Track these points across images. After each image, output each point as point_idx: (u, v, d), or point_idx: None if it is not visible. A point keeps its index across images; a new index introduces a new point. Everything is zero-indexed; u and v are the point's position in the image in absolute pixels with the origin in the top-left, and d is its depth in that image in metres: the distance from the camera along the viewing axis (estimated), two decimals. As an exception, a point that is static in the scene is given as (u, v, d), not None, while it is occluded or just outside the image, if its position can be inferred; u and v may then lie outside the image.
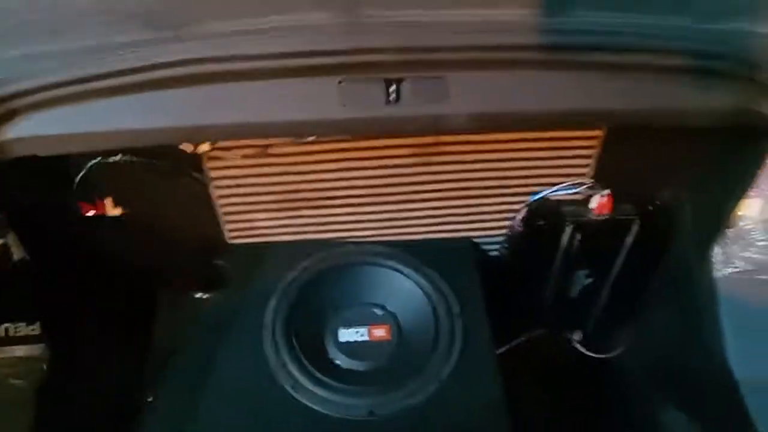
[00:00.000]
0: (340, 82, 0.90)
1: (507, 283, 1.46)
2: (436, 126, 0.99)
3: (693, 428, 1.33)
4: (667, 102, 0.97)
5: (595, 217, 1.29)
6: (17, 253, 1.14)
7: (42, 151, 0.95)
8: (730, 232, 1.24)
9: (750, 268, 1.22)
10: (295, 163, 1.26)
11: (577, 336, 1.55)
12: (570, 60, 0.92)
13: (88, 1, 0.90)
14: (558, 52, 0.91)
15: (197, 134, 1.03)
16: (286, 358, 1.19)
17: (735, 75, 0.95)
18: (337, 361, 1.24)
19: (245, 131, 1.00)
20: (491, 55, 0.90)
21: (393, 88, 0.91)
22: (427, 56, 0.89)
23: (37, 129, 0.92)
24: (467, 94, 0.92)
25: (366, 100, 0.91)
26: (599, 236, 1.31)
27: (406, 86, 0.91)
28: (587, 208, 1.30)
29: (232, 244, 1.40)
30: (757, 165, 1.13)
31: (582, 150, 1.30)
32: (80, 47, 0.90)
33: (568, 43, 0.91)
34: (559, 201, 1.35)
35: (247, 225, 1.37)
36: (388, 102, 0.91)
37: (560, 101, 0.95)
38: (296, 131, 1.10)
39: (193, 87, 0.89)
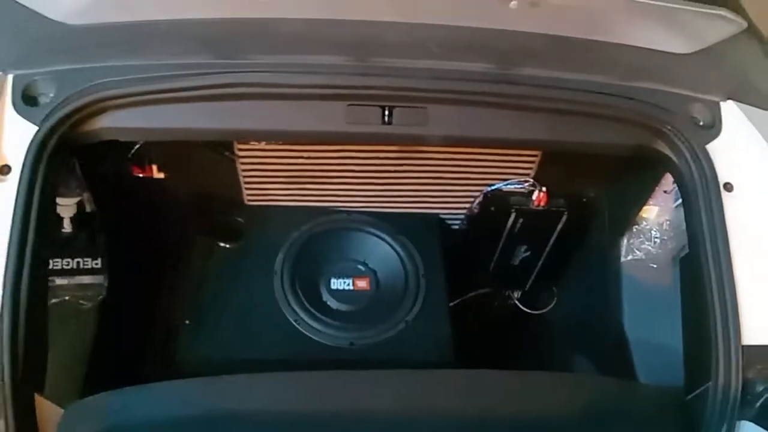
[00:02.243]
0: (348, 105, 1.19)
1: (464, 252, 1.75)
2: (417, 142, 1.32)
3: (596, 371, 1.71)
4: (586, 138, 1.28)
5: (534, 207, 1.58)
6: (89, 206, 1.45)
7: (121, 137, 1.23)
8: (634, 229, 1.59)
9: (644, 257, 1.55)
10: (304, 150, 1.54)
11: (516, 294, 1.88)
12: (516, 103, 1.24)
13: (166, 29, 1.11)
14: (508, 97, 1.24)
15: (240, 135, 1.35)
16: (291, 298, 1.49)
17: (636, 121, 1.26)
18: (329, 303, 1.53)
19: (275, 136, 1.31)
20: (460, 96, 1.20)
21: (387, 113, 1.20)
22: (412, 93, 1.20)
23: (120, 122, 1.16)
24: (441, 121, 1.21)
25: (366, 120, 1.20)
26: (536, 222, 1.62)
27: (396, 112, 1.20)
28: (529, 199, 1.59)
29: (250, 205, 1.67)
30: (654, 182, 1.48)
31: (528, 157, 1.58)
32: (158, 64, 1.15)
33: (515, 92, 1.22)
34: (508, 192, 1.62)
35: (263, 191, 1.64)
36: (383, 123, 1.20)
37: (508, 131, 1.26)
38: (313, 138, 1.42)
39: (241, 101, 1.18)
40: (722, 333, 1.15)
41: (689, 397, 1.21)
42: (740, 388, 1.13)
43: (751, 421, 1.16)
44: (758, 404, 1.15)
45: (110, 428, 1.07)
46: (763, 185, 1.25)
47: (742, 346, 1.14)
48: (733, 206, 1.22)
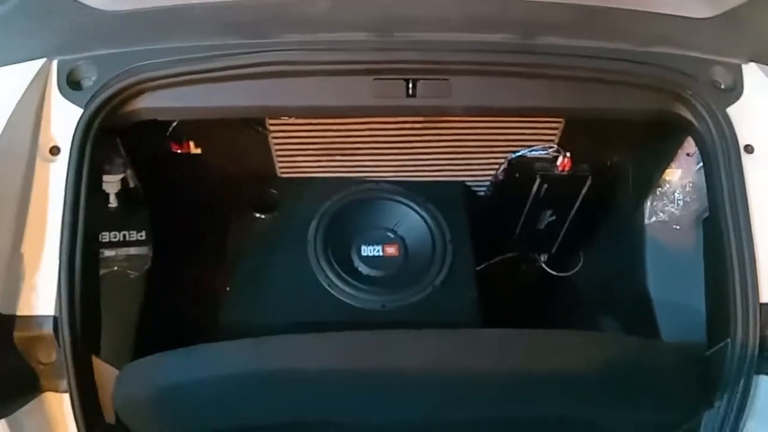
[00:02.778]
0: (374, 80, 1.23)
1: (490, 218, 1.80)
2: (441, 113, 1.37)
3: (622, 331, 1.75)
4: (607, 104, 1.30)
5: (558, 173, 1.61)
6: (132, 182, 1.53)
7: (160, 117, 1.30)
8: (657, 192, 1.62)
9: (668, 219, 1.59)
10: (333, 123, 1.59)
11: (543, 258, 1.91)
12: (538, 72, 1.27)
13: (199, 13, 1.19)
14: (529, 66, 1.27)
15: (272, 112, 1.41)
16: (324, 264, 1.55)
17: (656, 87, 1.29)
18: (360, 269, 1.60)
19: (305, 111, 1.36)
20: (481, 67, 1.24)
21: (411, 85, 1.24)
22: (435, 66, 1.24)
23: (158, 102, 1.23)
24: (464, 92, 1.25)
25: (391, 94, 1.24)
26: (561, 187, 1.64)
27: (420, 85, 1.24)
28: (553, 165, 1.61)
29: (283, 178, 1.74)
30: (676, 145, 1.50)
31: (551, 124, 1.62)
32: (192, 46, 1.21)
33: (535, 61, 1.26)
34: (532, 158, 1.65)
35: (294, 164, 1.71)
36: (408, 96, 1.24)
37: (530, 100, 1.29)
38: (342, 113, 1.46)
39: (271, 79, 1.23)
40: (741, 291, 1.18)
41: (709, 352, 1.25)
42: (758, 344, 1.17)
43: (769, 375, 1.21)
44: (775, 360, 1.19)
45: (162, 386, 1.16)
46: (785, 146, 1.27)
47: (761, 303, 1.18)
48: (753, 167, 1.24)
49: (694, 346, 1.32)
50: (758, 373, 1.19)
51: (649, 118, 1.35)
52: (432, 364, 1.16)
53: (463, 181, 1.80)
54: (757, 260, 1.19)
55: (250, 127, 1.59)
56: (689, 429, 1.27)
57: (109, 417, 1.17)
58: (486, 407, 1.20)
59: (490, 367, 1.17)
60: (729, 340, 1.20)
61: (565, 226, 1.77)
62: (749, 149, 1.25)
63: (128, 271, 1.56)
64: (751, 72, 1.30)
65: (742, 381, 1.18)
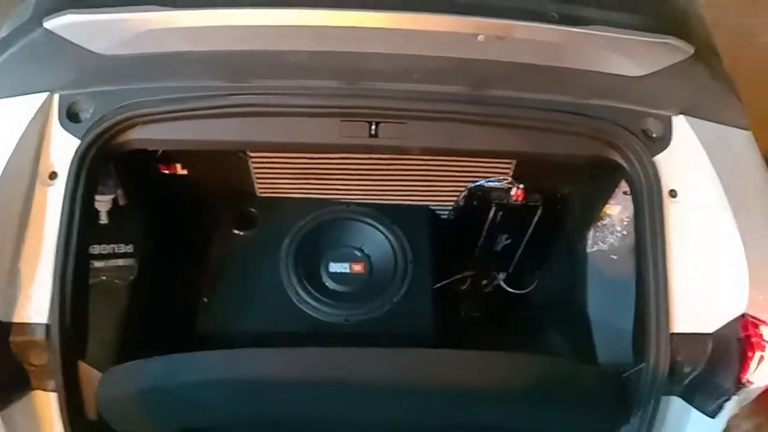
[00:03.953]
0: (341, 121, 1.38)
1: (453, 239, 1.94)
2: (399, 152, 1.52)
3: (565, 348, 1.91)
4: (550, 150, 1.44)
5: (512, 202, 1.76)
6: (122, 200, 1.66)
7: (149, 147, 1.45)
8: (599, 223, 1.77)
9: (607, 249, 1.73)
10: (307, 151, 1.73)
11: (501, 276, 2.06)
12: (487, 120, 1.40)
13: (191, 59, 1.29)
14: (479, 115, 1.41)
15: (250, 146, 1.55)
16: (294, 279, 1.69)
17: (593, 135, 1.42)
18: (327, 284, 1.74)
19: (280, 147, 1.51)
20: (435, 114, 1.38)
21: (373, 128, 1.38)
22: (394, 112, 1.37)
23: (148, 134, 1.35)
24: (420, 135, 1.39)
25: (356, 134, 1.38)
26: (515, 214, 1.80)
27: (381, 127, 1.38)
28: (508, 195, 1.76)
29: (261, 196, 1.88)
30: (614, 184, 1.66)
31: (507, 159, 1.77)
32: (181, 86, 1.33)
33: (486, 111, 1.40)
34: (489, 188, 1.80)
35: (273, 184, 1.84)
36: (370, 136, 1.38)
37: (479, 144, 1.43)
38: (311, 149, 1.62)
39: (250, 118, 1.37)
40: (656, 321, 1.34)
41: (627, 374, 1.41)
42: (667, 369, 1.33)
43: (678, 396, 1.37)
44: (684, 383, 1.36)
45: (140, 390, 1.31)
46: (703, 192, 1.40)
47: (671, 333, 1.34)
48: (675, 211, 1.38)
49: (619, 366, 1.48)
50: (666, 394, 1.35)
51: (587, 162, 1.50)
52: (378, 379, 1.31)
53: (428, 205, 1.94)
54: (670, 295, 1.35)
55: (232, 153, 1.73)
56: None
57: (92, 414, 1.32)
58: (424, 417, 1.35)
59: (429, 382, 1.32)
60: (645, 363, 1.35)
61: (520, 249, 1.93)
62: (673, 194, 1.40)
63: (116, 280, 1.68)
64: (679, 123, 1.44)
65: (653, 400, 1.34)
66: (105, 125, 1.32)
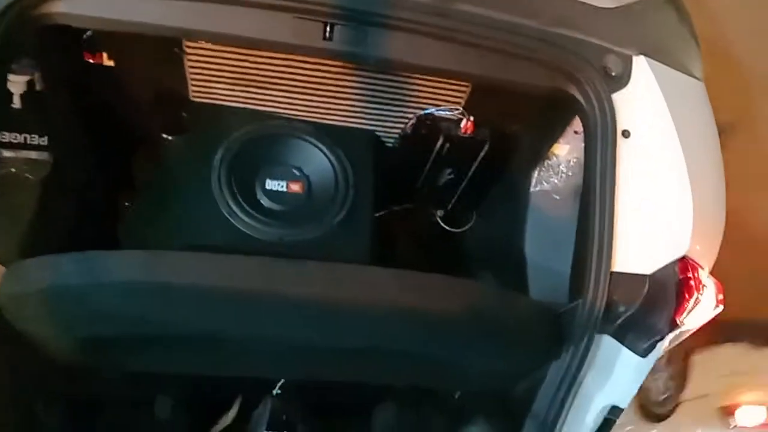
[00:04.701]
0: (293, 18, 1.27)
1: (395, 169, 1.86)
2: (354, 61, 1.42)
3: (499, 286, 1.91)
4: (508, 75, 1.40)
5: (461, 134, 1.71)
6: (39, 85, 1.50)
7: (73, 23, 1.28)
8: (546, 163, 1.76)
9: (550, 189, 1.74)
10: (250, 54, 1.60)
11: (439, 213, 2.03)
12: (448, 35, 1.35)
13: None
14: (444, 29, 1.34)
15: (188, 34, 1.41)
16: (226, 192, 1.55)
17: (554, 66, 1.39)
18: (262, 202, 1.61)
19: (221, 39, 1.38)
20: (399, 23, 1.30)
21: (329, 29, 1.29)
22: (353, 14, 1.29)
23: (72, 8, 1.22)
24: (378, 44, 1.31)
25: (308, 35, 1.29)
26: (461, 148, 1.75)
27: (337, 29, 1.29)
28: (457, 126, 1.71)
29: (195, 102, 1.73)
30: (566, 122, 1.64)
31: (460, 87, 1.70)
32: None
33: (449, 25, 1.33)
34: (439, 118, 1.74)
35: (208, 89, 1.70)
36: (324, 38, 1.30)
37: (438, 61, 1.38)
38: (257, 46, 1.48)
39: (191, 1, 1.25)
40: (596, 258, 1.34)
41: (562, 310, 1.41)
42: (603, 306, 1.33)
43: (610, 335, 1.38)
44: (617, 322, 1.36)
45: (49, 288, 1.20)
46: (656, 135, 1.40)
47: (611, 272, 1.34)
48: (627, 151, 1.38)
49: (553, 305, 1.48)
50: (600, 332, 1.36)
51: (544, 93, 1.47)
52: (303, 291, 1.25)
53: (374, 131, 1.86)
54: (615, 233, 1.34)
55: (166, 47, 1.58)
56: (536, 378, 1.43)
57: None
58: (350, 338, 1.31)
59: (356, 299, 1.27)
60: (581, 300, 1.35)
61: (462, 185, 1.89)
62: (626, 134, 1.39)
63: (26, 175, 1.52)
64: (639, 64, 1.42)
65: (586, 337, 1.34)
66: None
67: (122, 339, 1.33)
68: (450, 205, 1.99)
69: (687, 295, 1.32)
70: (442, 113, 1.75)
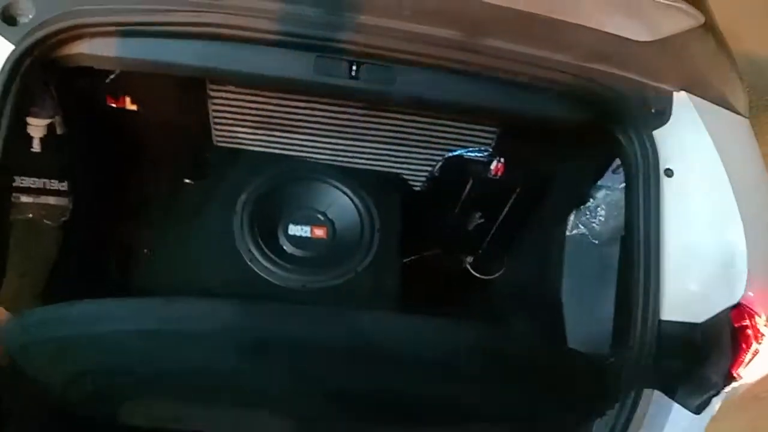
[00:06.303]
0: (317, 57, 1.23)
1: (422, 212, 1.79)
2: (381, 101, 1.37)
3: (535, 334, 1.80)
4: (542, 112, 1.34)
5: (491, 176, 1.63)
6: (60, 129, 1.47)
7: (96, 65, 1.25)
8: (582, 205, 1.67)
9: (588, 233, 1.64)
10: (274, 96, 1.57)
11: (468, 259, 1.97)
12: (480, 72, 1.29)
13: None
14: (473, 65, 1.29)
15: (210, 74, 1.37)
16: (248, 237, 1.51)
17: (591, 101, 1.32)
18: (284, 247, 1.57)
19: (243, 78, 1.34)
20: (425, 59, 1.25)
21: (354, 67, 1.24)
22: (380, 52, 1.24)
23: (95, 50, 1.19)
24: (405, 81, 1.26)
25: (333, 73, 1.24)
26: (492, 190, 1.68)
27: (363, 68, 1.24)
28: (487, 168, 1.63)
29: (218, 146, 1.70)
30: (604, 162, 1.56)
31: (489, 128, 1.65)
32: None
33: (480, 61, 1.28)
34: (468, 159, 1.68)
35: (232, 133, 1.67)
36: (349, 77, 1.24)
37: (469, 98, 1.32)
38: (280, 85, 1.44)
39: (214, 41, 1.20)
40: (643, 306, 1.24)
41: (608, 362, 1.30)
42: (651, 358, 1.22)
43: (659, 390, 1.27)
44: (667, 376, 1.25)
45: (50, 338, 1.14)
46: (700, 174, 1.32)
47: (660, 320, 1.23)
48: (670, 191, 1.30)
49: (594, 355, 1.37)
50: (649, 387, 1.25)
51: (581, 131, 1.39)
52: (325, 339, 1.17)
53: (400, 174, 1.81)
54: (661, 279, 1.25)
55: (190, 90, 1.55)
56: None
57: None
58: (383, 384, 1.22)
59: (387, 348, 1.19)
60: (627, 352, 1.25)
61: (493, 229, 1.81)
62: (669, 173, 1.31)
63: (44, 220, 1.50)
64: (680, 99, 1.35)
65: (633, 392, 1.23)
66: (46, 32, 1.14)
67: (135, 387, 1.27)
68: (480, 251, 1.90)
69: (744, 346, 1.21)
70: (471, 155, 1.69)
